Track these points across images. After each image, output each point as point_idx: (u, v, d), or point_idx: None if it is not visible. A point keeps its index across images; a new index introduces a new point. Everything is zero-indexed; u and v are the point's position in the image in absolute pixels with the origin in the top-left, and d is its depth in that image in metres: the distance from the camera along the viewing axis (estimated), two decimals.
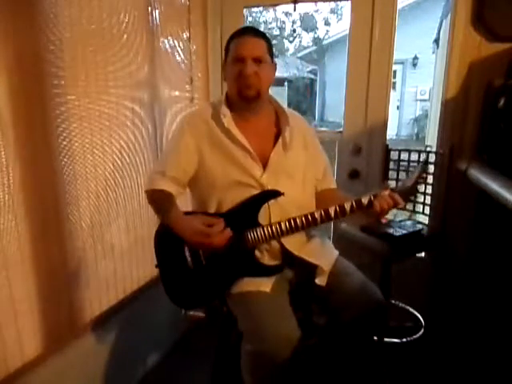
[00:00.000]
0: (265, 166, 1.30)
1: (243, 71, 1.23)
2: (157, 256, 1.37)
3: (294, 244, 1.32)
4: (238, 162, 1.28)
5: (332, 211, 1.25)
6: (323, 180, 1.44)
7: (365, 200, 1.23)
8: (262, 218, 1.28)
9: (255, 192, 1.29)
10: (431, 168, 2.04)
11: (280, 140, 1.32)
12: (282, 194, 1.28)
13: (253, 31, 1.30)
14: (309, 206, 1.38)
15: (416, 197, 2.00)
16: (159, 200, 1.34)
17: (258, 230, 1.26)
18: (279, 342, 1.14)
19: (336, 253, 1.43)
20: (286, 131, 1.32)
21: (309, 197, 1.40)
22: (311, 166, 1.40)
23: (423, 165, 1.32)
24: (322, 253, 1.38)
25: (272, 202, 1.28)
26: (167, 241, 1.33)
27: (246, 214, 1.29)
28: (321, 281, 1.33)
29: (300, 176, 1.37)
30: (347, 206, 1.24)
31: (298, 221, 1.25)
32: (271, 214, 1.29)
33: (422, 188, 2.07)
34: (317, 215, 1.25)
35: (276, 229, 1.26)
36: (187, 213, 1.35)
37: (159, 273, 1.37)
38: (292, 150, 1.34)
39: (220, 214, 1.30)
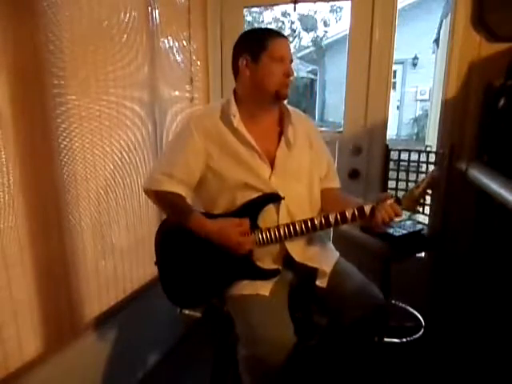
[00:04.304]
0: (272, 165, 1.29)
1: (288, 71, 1.25)
2: (157, 253, 1.37)
3: (296, 249, 1.32)
4: (245, 163, 1.27)
5: (332, 218, 1.24)
6: (325, 178, 1.42)
7: (367, 209, 1.21)
8: (271, 219, 1.28)
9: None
10: (431, 168, 2.04)
11: (283, 138, 1.31)
12: (283, 198, 1.27)
13: (283, 34, 1.30)
14: (316, 207, 1.37)
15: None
16: (173, 202, 1.30)
17: (256, 233, 1.26)
18: (272, 347, 1.14)
19: (337, 254, 1.42)
20: (289, 130, 1.32)
21: (316, 198, 1.39)
22: (316, 166, 1.39)
23: (432, 173, 1.25)
24: (323, 255, 1.37)
25: (281, 204, 1.27)
26: (171, 239, 1.34)
27: (245, 216, 1.27)
28: (322, 282, 1.32)
29: (307, 176, 1.35)
30: (348, 214, 1.23)
31: (297, 226, 1.24)
32: (280, 216, 1.28)
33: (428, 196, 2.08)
34: (317, 222, 1.24)
35: (274, 233, 1.25)
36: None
37: (158, 270, 1.37)
38: (296, 148, 1.33)
39: (219, 215, 1.29)
